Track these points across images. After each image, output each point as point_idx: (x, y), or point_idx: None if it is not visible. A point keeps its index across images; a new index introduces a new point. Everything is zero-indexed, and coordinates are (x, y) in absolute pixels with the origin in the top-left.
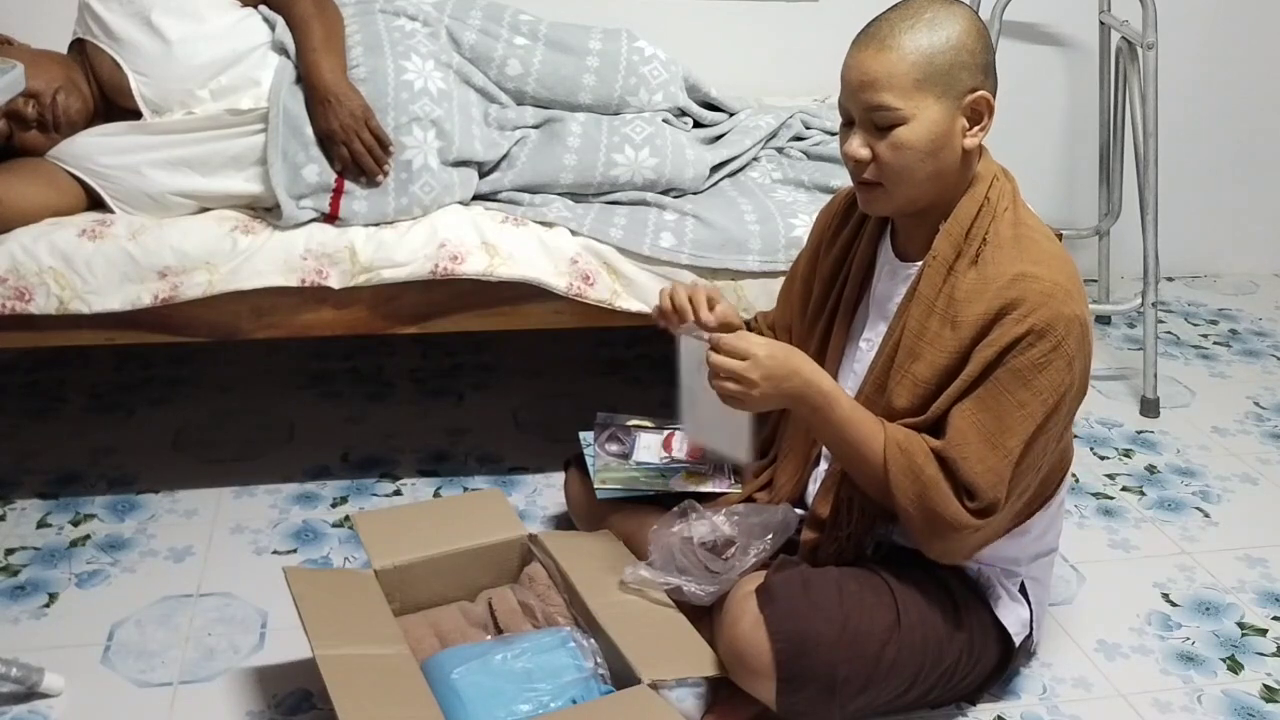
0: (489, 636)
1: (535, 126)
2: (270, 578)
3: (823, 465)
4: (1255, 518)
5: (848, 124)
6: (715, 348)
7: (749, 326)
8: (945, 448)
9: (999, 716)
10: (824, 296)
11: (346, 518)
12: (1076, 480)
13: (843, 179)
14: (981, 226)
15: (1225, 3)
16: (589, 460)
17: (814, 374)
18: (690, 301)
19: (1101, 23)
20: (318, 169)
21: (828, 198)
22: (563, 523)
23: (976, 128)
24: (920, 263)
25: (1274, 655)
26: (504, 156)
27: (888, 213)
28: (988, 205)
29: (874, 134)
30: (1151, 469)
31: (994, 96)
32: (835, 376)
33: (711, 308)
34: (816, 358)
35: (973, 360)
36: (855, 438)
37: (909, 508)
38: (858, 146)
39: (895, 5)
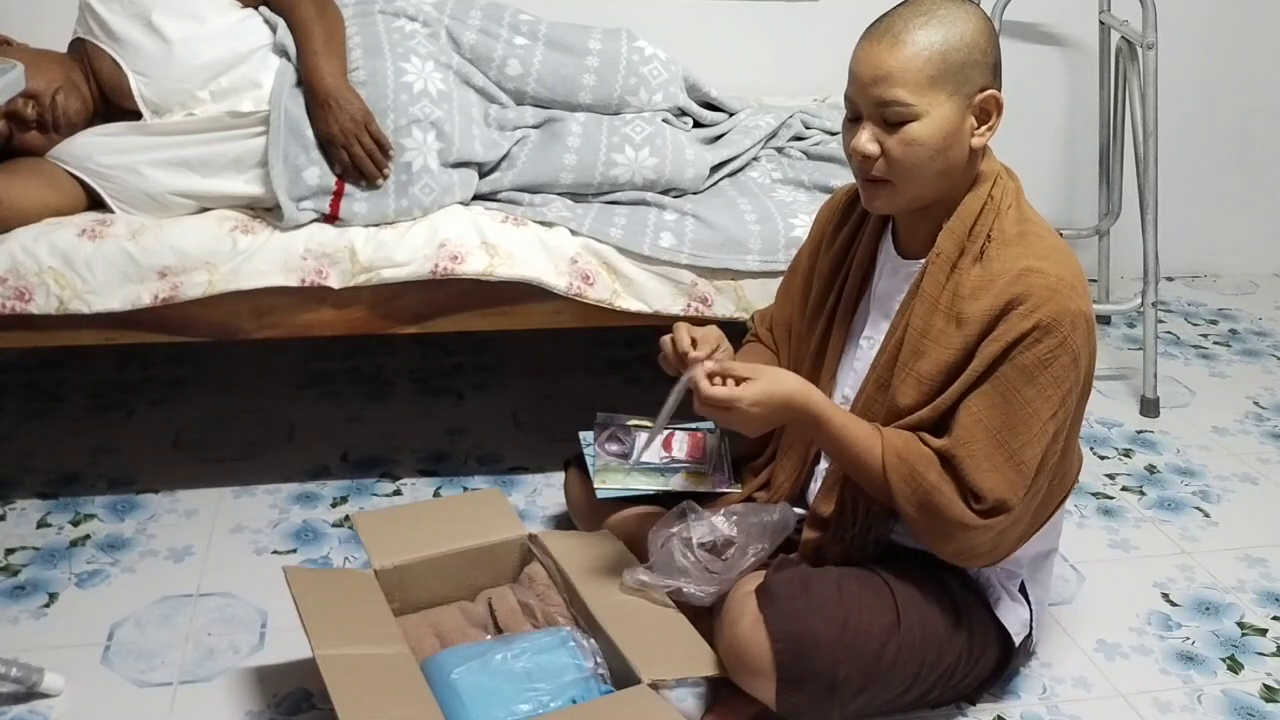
0: (489, 636)
1: (535, 126)
2: (270, 578)
3: (823, 464)
4: (1255, 518)
5: (854, 119)
6: (701, 397)
7: (745, 327)
8: (951, 446)
9: (999, 716)
10: (824, 293)
11: (346, 518)
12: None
13: (843, 179)
14: (985, 223)
15: (1225, 3)
16: (589, 460)
17: (804, 399)
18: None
19: (1101, 23)
20: (318, 172)
21: (827, 198)
22: (563, 523)
23: (985, 126)
24: (923, 260)
25: (1274, 655)
26: (504, 156)
27: (892, 211)
28: (991, 203)
29: (884, 129)
30: (1151, 469)
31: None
32: (835, 374)
33: (694, 346)
34: (816, 355)
35: (978, 356)
36: (852, 450)
37: (913, 513)
38: (866, 141)
39: (905, 2)
